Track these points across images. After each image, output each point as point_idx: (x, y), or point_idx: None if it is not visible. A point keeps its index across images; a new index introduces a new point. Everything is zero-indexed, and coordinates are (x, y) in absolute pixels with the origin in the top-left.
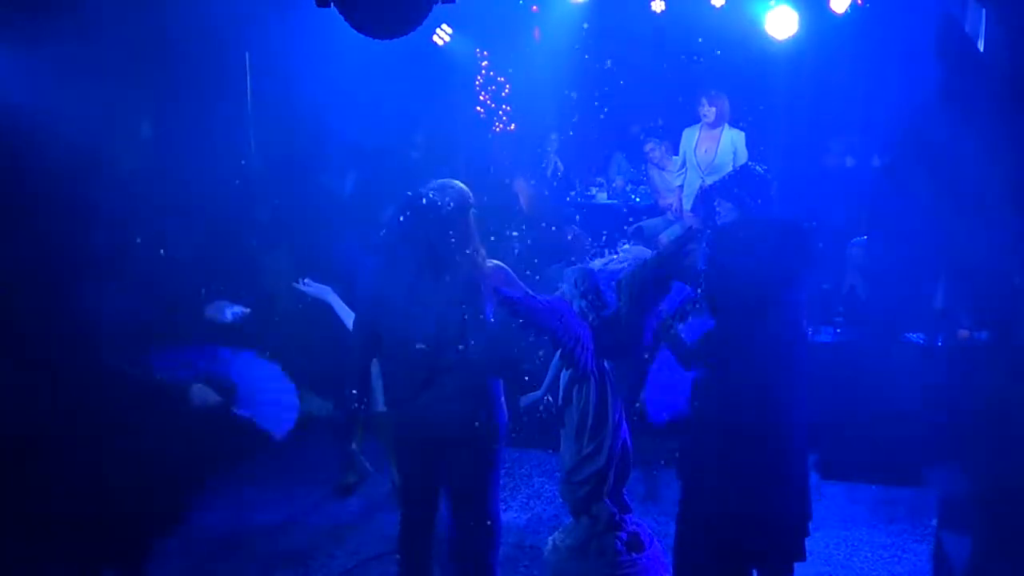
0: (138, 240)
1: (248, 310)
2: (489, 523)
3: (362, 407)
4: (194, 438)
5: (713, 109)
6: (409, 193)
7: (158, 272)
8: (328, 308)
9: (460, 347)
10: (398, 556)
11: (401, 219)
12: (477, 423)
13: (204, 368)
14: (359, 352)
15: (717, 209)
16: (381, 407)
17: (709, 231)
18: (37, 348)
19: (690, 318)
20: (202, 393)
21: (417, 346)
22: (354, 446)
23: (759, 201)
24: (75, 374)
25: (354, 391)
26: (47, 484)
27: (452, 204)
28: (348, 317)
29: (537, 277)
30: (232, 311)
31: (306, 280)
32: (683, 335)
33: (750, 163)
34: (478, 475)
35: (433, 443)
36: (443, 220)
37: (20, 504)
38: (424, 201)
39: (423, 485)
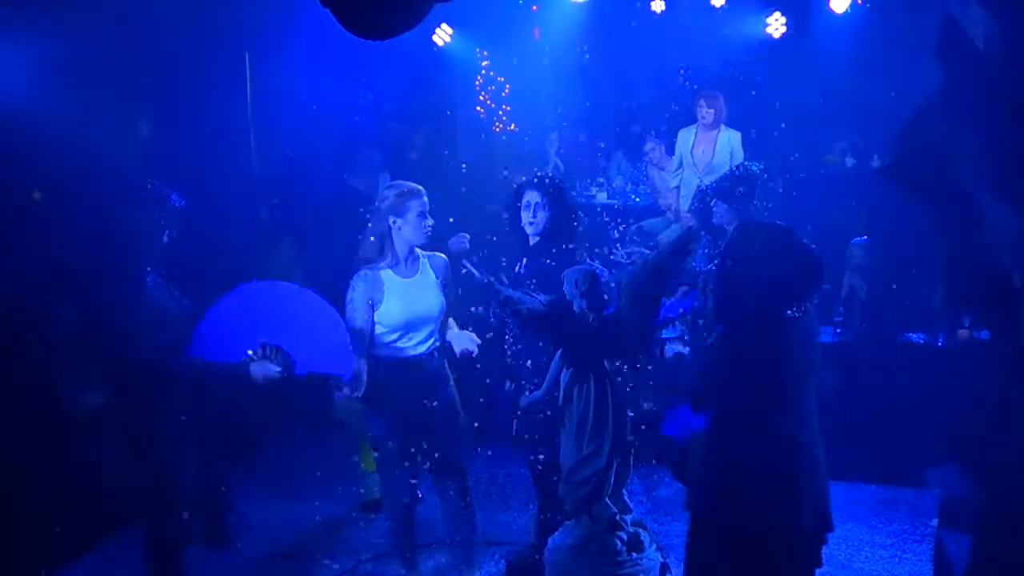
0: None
1: None
2: None
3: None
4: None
5: (712, 111)
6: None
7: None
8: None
9: None
10: None
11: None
12: None
13: (257, 343)
14: None
15: (713, 209)
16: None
17: (715, 240)
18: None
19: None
20: (262, 368)
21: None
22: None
23: (755, 201)
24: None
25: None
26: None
27: None
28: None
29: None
30: None
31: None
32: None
33: (746, 163)
34: None
35: None
36: None
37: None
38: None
39: None
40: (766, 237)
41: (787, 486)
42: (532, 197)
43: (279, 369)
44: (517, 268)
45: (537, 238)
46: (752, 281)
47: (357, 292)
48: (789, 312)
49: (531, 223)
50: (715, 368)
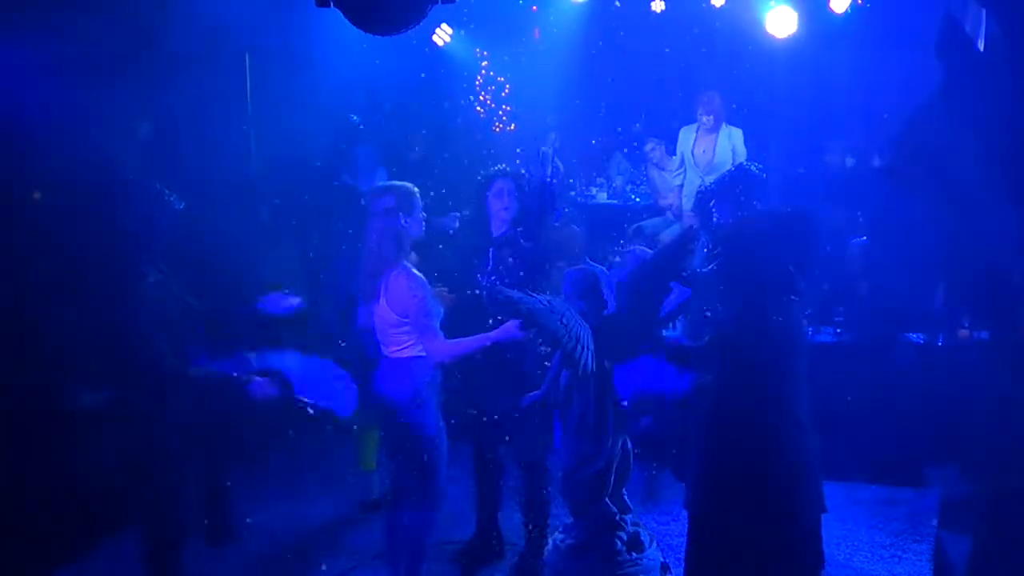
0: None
1: (302, 302)
2: None
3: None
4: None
5: (711, 116)
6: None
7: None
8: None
9: None
10: None
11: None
12: None
13: (259, 366)
14: None
15: (712, 209)
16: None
17: (712, 233)
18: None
19: (679, 321)
20: (262, 386)
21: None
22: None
23: (756, 201)
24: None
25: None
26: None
27: None
28: None
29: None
30: (286, 303)
31: None
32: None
33: (746, 163)
34: None
35: None
36: None
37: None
38: None
39: None
40: (761, 219)
41: (784, 478)
42: (505, 184)
43: (279, 390)
44: (482, 260)
45: (505, 229)
46: (753, 258)
47: (427, 290)
48: (792, 275)
49: (505, 209)
50: (714, 361)
